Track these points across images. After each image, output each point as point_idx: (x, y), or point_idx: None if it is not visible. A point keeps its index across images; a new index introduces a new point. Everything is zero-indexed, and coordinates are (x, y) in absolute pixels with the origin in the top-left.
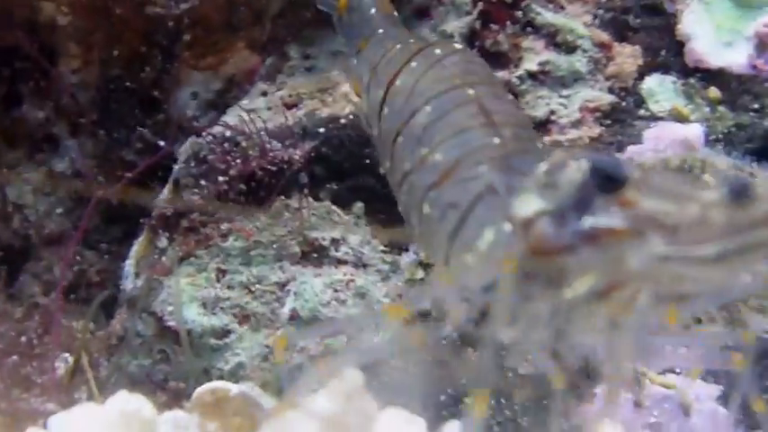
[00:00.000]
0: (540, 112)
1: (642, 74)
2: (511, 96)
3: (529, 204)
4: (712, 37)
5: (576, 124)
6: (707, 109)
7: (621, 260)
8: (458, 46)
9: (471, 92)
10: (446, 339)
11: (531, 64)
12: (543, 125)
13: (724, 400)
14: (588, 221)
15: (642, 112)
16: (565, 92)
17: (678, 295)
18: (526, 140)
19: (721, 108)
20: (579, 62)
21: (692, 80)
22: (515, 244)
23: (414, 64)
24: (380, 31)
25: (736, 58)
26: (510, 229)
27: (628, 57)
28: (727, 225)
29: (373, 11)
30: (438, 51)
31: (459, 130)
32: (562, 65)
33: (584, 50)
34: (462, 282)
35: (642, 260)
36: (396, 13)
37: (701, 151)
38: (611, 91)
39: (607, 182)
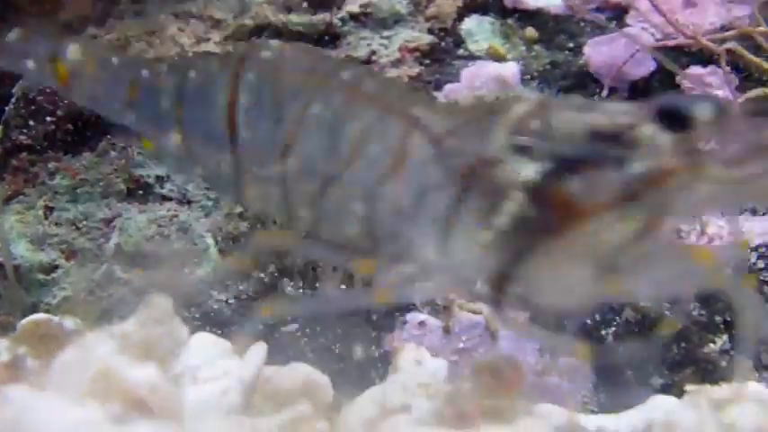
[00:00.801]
0: (361, 53)
1: (462, 15)
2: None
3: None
4: None
5: (396, 64)
6: (523, 48)
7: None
8: (275, 43)
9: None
10: None
11: (353, 6)
12: (364, 65)
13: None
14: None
15: (461, 51)
16: (386, 33)
17: None
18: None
19: (537, 47)
20: (400, 4)
21: (509, 21)
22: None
23: (251, 75)
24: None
25: None
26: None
27: None
28: None
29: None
30: (267, 54)
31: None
32: (383, 6)
33: None
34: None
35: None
36: None
37: (516, 89)
38: (430, 32)
39: (675, 121)
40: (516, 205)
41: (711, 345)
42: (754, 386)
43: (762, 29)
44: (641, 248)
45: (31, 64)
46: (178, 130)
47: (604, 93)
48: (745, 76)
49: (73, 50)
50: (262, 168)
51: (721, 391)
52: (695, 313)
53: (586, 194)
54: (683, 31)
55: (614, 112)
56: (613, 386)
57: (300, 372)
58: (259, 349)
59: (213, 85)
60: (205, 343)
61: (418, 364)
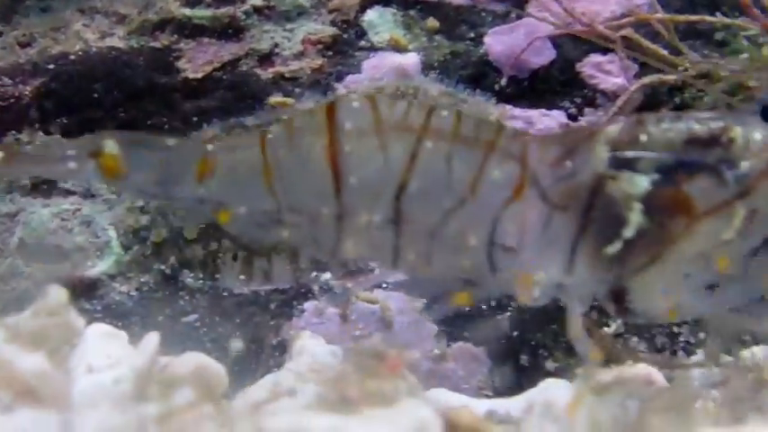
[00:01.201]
0: (264, 46)
1: (364, 7)
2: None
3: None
4: None
5: (299, 56)
6: (425, 38)
7: None
8: (357, 95)
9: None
10: None
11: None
12: (267, 58)
13: (427, 312)
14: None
15: (363, 43)
16: (289, 25)
17: None
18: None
19: (438, 37)
20: None
21: (411, 12)
22: None
23: (348, 124)
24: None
25: None
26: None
27: None
28: None
29: None
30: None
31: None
32: (286, 0)
33: None
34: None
35: None
36: None
37: (416, 78)
38: (333, 24)
39: None
40: (640, 215)
41: (606, 328)
42: (642, 368)
43: (659, 15)
44: (748, 243)
45: (72, 165)
46: (270, 195)
47: (503, 81)
48: (644, 63)
49: (108, 143)
50: (371, 213)
51: (611, 372)
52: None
53: (699, 198)
54: (579, 19)
55: (705, 119)
56: (509, 371)
57: (194, 360)
58: (152, 338)
59: (305, 141)
60: (100, 333)
61: (313, 350)
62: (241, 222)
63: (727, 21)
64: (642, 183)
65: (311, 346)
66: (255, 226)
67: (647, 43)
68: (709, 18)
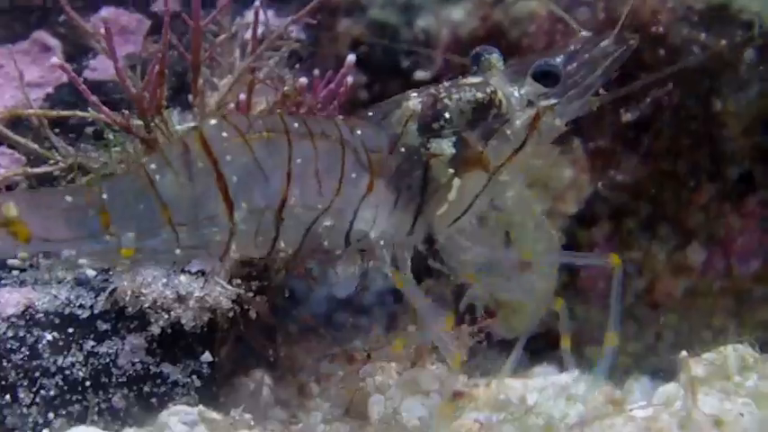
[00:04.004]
0: None
1: None
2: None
3: None
4: None
5: None
6: None
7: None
8: (215, 119)
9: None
10: None
11: None
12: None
13: None
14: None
15: None
16: None
17: None
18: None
19: None
20: None
21: None
22: None
23: (228, 157)
24: None
25: None
26: None
27: None
28: None
29: None
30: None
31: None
32: None
33: None
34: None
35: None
36: None
37: None
38: None
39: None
40: (457, 180)
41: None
42: None
43: (31, 111)
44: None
45: None
46: (166, 227)
47: None
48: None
49: (9, 208)
50: (258, 224)
51: None
52: None
53: (492, 154)
54: None
55: (478, 84)
56: None
57: None
58: None
59: (192, 176)
60: None
61: None
62: (147, 253)
63: (96, 116)
64: (448, 147)
65: None
66: (155, 253)
67: (15, 137)
68: (80, 113)
